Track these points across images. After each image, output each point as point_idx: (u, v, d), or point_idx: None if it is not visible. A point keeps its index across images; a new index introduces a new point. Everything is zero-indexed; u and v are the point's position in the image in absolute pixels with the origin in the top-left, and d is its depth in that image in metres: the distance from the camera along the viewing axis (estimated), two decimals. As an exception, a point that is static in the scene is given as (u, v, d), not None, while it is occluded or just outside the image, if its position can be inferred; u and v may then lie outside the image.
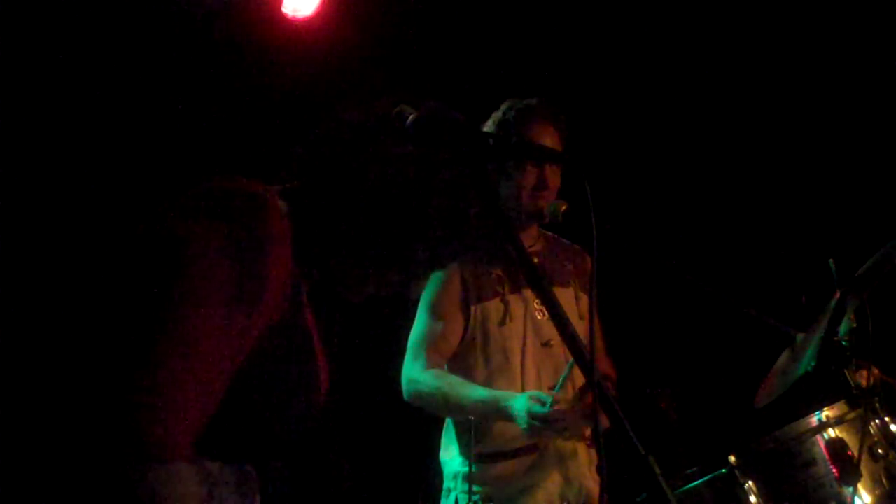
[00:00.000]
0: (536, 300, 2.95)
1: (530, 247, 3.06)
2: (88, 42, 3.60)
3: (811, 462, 2.37)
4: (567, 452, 2.89)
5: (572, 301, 3.05)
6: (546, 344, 2.94)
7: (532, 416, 2.66)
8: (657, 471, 1.28)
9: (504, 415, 2.75)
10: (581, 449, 2.93)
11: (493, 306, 2.95)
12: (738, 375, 3.13)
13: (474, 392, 2.85)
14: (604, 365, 3.16)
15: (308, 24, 3.92)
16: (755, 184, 4.44)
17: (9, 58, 3.38)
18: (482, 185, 1.53)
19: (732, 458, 2.42)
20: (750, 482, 2.39)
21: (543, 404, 2.66)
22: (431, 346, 2.97)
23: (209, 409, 1.35)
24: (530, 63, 4.36)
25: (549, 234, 3.16)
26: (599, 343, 3.20)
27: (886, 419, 2.42)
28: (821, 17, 4.20)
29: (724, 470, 2.43)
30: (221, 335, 1.35)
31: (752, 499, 2.38)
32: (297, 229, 1.51)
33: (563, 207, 2.94)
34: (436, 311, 2.99)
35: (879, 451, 2.37)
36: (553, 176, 2.96)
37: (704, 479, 2.46)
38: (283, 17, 3.90)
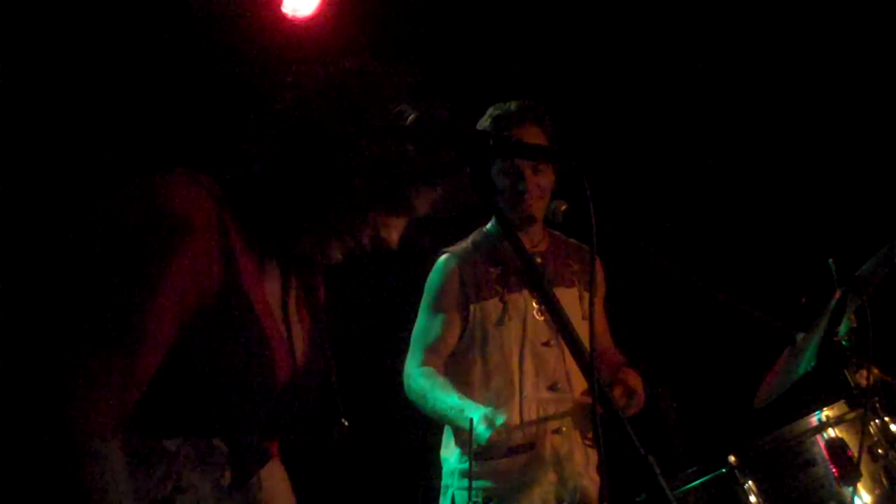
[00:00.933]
0: (536, 300, 2.97)
1: (534, 247, 3.06)
2: (86, 41, 3.60)
3: (811, 462, 2.37)
4: (563, 452, 2.90)
5: (576, 302, 3.06)
6: (545, 344, 2.95)
7: (486, 420, 2.70)
8: (657, 471, 1.28)
9: (467, 423, 2.77)
10: (577, 449, 2.93)
11: (492, 306, 2.97)
12: (738, 375, 3.14)
13: (449, 398, 2.88)
14: (617, 359, 3.18)
15: (308, 24, 3.92)
16: (755, 184, 4.44)
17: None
18: (483, 185, 1.54)
19: (732, 458, 2.42)
20: (750, 482, 2.39)
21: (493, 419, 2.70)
22: (428, 344, 3.01)
23: (138, 387, 1.40)
24: (531, 62, 4.36)
25: (557, 233, 3.17)
26: (609, 340, 3.22)
27: (886, 419, 2.42)
28: (820, 17, 4.20)
29: (724, 470, 2.42)
30: (151, 318, 1.39)
31: (752, 499, 2.38)
32: (247, 211, 1.56)
33: (563, 207, 2.95)
34: (435, 310, 3.03)
35: (879, 451, 2.37)
36: (539, 177, 2.97)
37: (704, 478, 2.46)
38: (283, 17, 3.89)
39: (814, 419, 2.42)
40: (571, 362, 2.97)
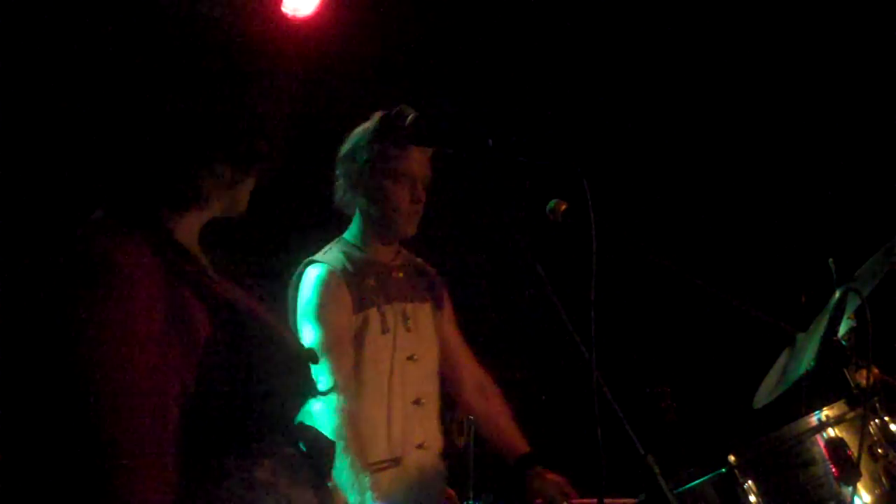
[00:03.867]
0: (405, 312, 2.94)
1: (391, 261, 3.02)
2: (82, 41, 3.59)
3: (811, 462, 2.37)
4: (425, 467, 2.89)
5: (430, 317, 3.04)
6: (411, 358, 2.92)
7: None
8: (657, 470, 1.28)
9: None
10: (439, 464, 2.93)
11: (373, 316, 2.89)
12: (738, 375, 3.14)
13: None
14: (485, 380, 3.16)
15: (308, 24, 3.92)
16: (755, 183, 4.45)
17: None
18: (482, 185, 1.54)
19: (732, 458, 2.42)
20: (750, 482, 2.39)
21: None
22: (342, 368, 2.83)
23: (171, 453, 1.35)
24: (530, 62, 4.36)
25: (404, 250, 3.13)
26: (467, 355, 3.17)
27: (886, 419, 2.42)
28: (820, 17, 4.20)
29: (724, 470, 2.42)
30: (157, 375, 1.35)
31: (752, 498, 2.38)
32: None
33: (563, 207, 2.93)
34: (327, 325, 2.86)
35: (879, 450, 2.37)
36: (424, 190, 2.93)
37: (704, 478, 2.46)
38: (282, 17, 3.89)
39: (814, 419, 2.42)
40: (434, 378, 2.98)
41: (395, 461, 2.86)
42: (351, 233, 3.04)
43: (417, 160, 2.92)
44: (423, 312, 3.01)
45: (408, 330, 2.94)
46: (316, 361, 1.62)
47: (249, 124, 1.53)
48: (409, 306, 2.99)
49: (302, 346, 1.63)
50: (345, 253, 2.97)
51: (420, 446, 2.89)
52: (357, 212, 3.02)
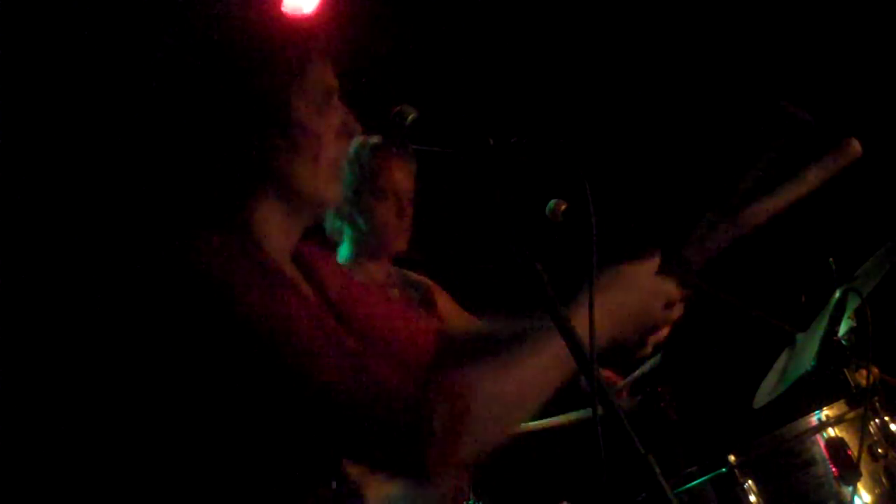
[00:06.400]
0: None
1: (384, 280, 3.01)
2: (82, 40, 3.59)
3: (811, 462, 2.37)
4: None
5: None
6: None
7: None
8: (657, 470, 1.28)
9: None
10: None
11: None
12: (738, 375, 3.14)
13: None
14: None
15: (310, 22, 3.90)
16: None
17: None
18: (482, 186, 1.53)
19: (732, 458, 2.42)
20: (750, 482, 2.39)
21: None
22: None
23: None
24: (531, 60, 4.36)
25: (395, 267, 3.13)
26: None
27: (886, 419, 2.42)
28: (820, 17, 4.20)
29: (724, 470, 2.42)
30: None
31: (752, 498, 2.38)
32: None
33: (563, 207, 2.92)
34: None
35: (879, 450, 2.37)
36: (410, 205, 2.95)
37: (704, 478, 2.46)
38: (283, 16, 3.88)
39: (814, 419, 2.42)
40: None
41: None
42: (342, 255, 3.02)
43: (399, 175, 2.92)
44: None
45: None
46: None
47: (289, 93, 1.62)
48: None
49: None
50: None
51: None
52: (346, 232, 3.00)
